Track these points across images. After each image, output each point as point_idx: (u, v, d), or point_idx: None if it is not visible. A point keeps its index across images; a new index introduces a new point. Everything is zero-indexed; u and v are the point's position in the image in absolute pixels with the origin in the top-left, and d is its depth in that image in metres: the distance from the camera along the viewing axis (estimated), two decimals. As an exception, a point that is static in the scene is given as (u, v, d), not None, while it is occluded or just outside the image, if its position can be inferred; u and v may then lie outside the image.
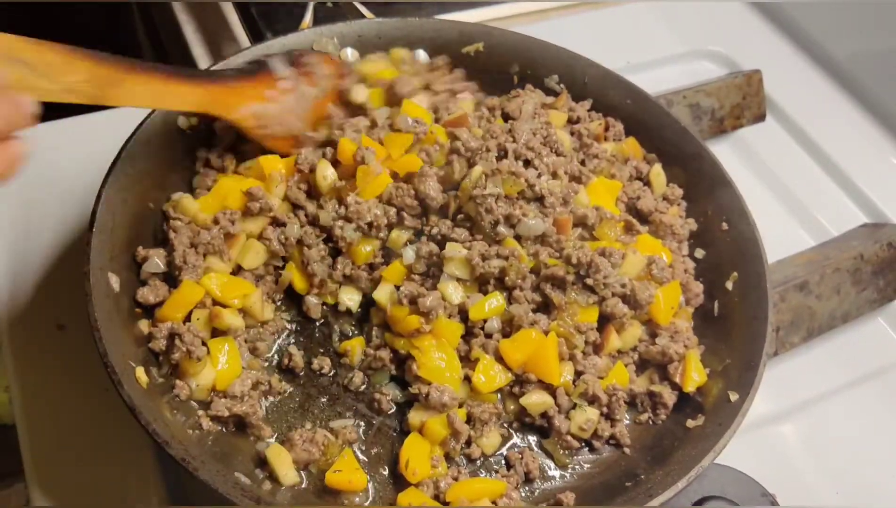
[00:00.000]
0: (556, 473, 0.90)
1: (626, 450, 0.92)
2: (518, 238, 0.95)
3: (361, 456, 0.88)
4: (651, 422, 0.95)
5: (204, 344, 0.87)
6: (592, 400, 0.91)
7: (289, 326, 0.96)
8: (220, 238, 0.92)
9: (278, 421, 0.89)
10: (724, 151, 1.14)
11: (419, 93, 1.10)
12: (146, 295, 0.89)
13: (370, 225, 0.95)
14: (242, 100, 0.96)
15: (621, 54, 1.43)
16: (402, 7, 1.42)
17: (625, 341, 0.96)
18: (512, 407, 0.92)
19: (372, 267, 0.97)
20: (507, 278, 0.93)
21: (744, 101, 1.39)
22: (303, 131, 1.02)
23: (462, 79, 1.15)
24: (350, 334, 0.96)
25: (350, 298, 0.97)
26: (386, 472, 0.87)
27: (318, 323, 0.97)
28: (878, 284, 1.18)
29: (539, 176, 0.99)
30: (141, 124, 0.95)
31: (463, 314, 0.92)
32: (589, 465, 0.91)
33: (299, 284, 0.96)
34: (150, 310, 0.90)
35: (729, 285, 1.02)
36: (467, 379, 0.90)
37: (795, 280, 1.11)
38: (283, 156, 1.01)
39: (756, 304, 0.97)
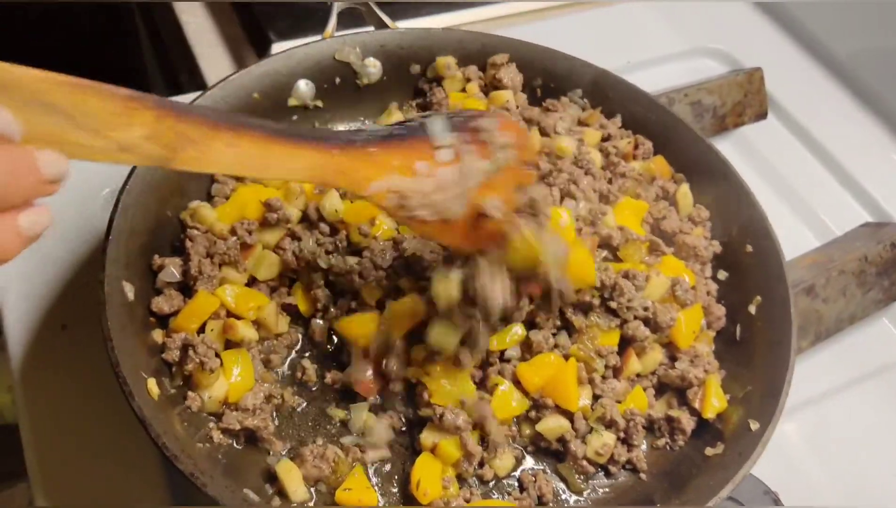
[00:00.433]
0: (570, 497, 0.89)
1: (643, 476, 0.90)
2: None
3: (372, 475, 0.86)
4: (669, 448, 0.93)
5: (217, 355, 0.86)
6: (610, 425, 0.90)
7: (303, 339, 0.95)
8: (236, 248, 0.92)
9: (290, 437, 0.88)
10: (725, 149, 1.13)
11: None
12: (161, 304, 0.88)
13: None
14: (381, 172, 0.74)
15: (622, 53, 1.42)
16: (402, 7, 1.41)
17: (645, 365, 0.94)
18: (527, 432, 0.90)
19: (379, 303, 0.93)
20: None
21: (745, 99, 1.37)
22: (463, 215, 0.79)
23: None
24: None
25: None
26: (396, 491, 0.86)
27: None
28: (882, 284, 1.18)
29: (577, 204, 0.99)
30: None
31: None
32: (604, 490, 0.89)
33: (303, 306, 0.94)
34: (163, 320, 0.89)
35: (752, 309, 1.00)
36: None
37: (803, 284, 1.10)
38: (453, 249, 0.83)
39: (780, 329, 0.95)
